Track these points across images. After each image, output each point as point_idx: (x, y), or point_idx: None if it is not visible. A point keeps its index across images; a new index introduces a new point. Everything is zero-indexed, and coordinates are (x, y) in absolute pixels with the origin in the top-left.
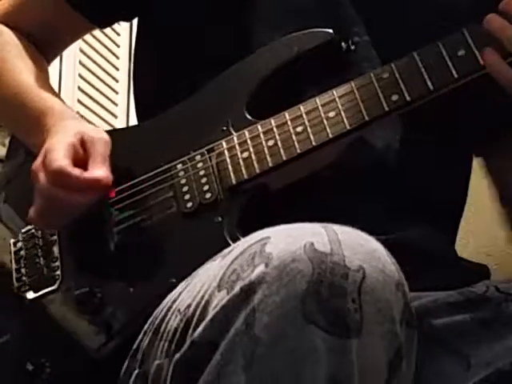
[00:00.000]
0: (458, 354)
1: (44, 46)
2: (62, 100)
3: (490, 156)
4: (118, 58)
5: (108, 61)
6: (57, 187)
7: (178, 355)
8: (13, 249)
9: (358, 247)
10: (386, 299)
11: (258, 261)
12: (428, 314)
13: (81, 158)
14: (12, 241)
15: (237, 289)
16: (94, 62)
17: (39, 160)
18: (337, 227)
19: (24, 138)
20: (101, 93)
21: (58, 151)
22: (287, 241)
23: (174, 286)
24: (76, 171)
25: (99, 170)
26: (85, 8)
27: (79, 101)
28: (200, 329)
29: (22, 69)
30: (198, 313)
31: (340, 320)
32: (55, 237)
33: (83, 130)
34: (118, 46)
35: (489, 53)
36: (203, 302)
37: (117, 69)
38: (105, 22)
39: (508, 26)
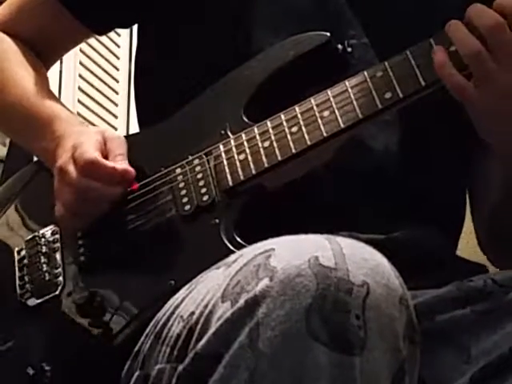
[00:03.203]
0: (459, 347)
1: (42, 53)
2: (65, 106)
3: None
4: (118, 58)
5: (108, 61)
6: (88, 178)
7: (181, 366)
8: (17, 257)
9: (362, 262)
10: (389, 314)
11: (263, 274)
12: (428, 311)
13: (104, 155)
14: (16, 249)
15: (241, 302)
16: (95, 63)
17: (67, 156)
18: (340, 239)
19: (29, 144)
20: (101, 93)
21: (87, 145)
22: (292, 254)
23: (174, 288)
24: (107, 162)
25: (124, 164)
26: (83, 15)
27: (79, 101)
28: (204, 341)
29: (23, 76)
30: (201, 322)
31: (343, 336)
32: (58, 244)
33: (102, 130)
34: (119, 47)
35: (439, 50)
36: (206, 312)
37: (117, 69)
38: (103, 29)
39: (470, 37)
